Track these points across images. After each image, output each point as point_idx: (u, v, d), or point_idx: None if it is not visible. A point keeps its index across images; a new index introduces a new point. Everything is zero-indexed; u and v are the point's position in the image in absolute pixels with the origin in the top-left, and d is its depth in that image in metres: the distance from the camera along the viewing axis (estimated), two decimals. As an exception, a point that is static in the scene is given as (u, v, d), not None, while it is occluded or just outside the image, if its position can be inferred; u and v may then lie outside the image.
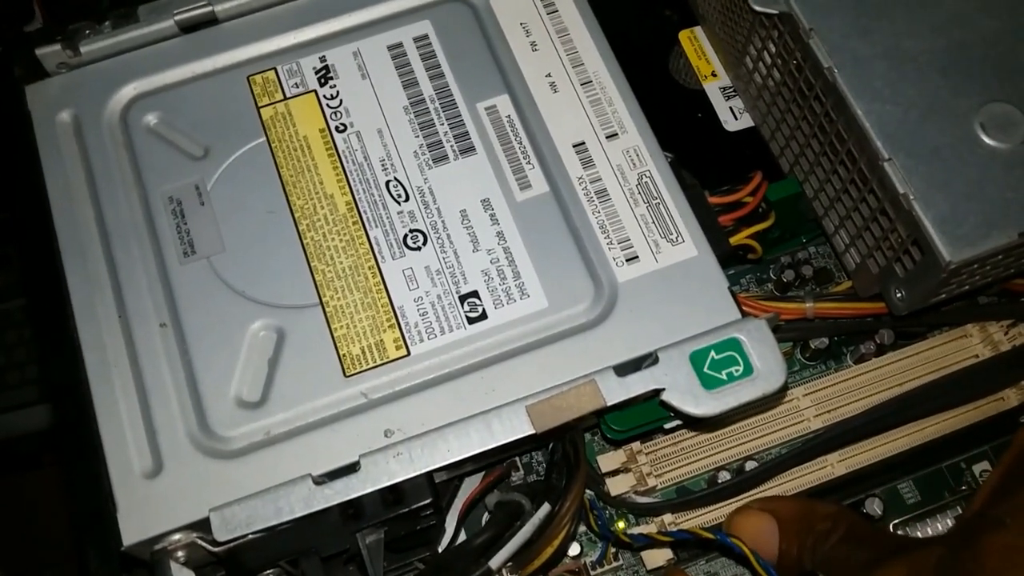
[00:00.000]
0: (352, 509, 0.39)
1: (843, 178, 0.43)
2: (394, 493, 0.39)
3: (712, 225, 0.45)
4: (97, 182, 0.46)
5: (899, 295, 0.42)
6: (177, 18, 0.49)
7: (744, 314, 0.42)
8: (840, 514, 0.40)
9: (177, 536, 0.39)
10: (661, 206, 0.45)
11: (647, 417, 0.41)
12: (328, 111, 0.47)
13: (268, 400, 0.41)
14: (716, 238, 0.44)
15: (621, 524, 0.45)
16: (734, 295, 0.43)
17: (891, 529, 0.45)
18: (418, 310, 0.43)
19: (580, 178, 0.45)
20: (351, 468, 0.39)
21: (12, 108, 0.48)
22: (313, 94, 0.48)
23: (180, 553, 0.39)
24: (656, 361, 0.41)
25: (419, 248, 0.44)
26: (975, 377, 0.46)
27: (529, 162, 0.46)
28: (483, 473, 0.44)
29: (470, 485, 0.44)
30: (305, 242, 0.44)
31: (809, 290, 0.49)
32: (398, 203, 0.45)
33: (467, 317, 0.43)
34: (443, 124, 0.47)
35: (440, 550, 0.43)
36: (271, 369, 0.42)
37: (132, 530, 0.38)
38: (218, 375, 0.42)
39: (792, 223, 0.48)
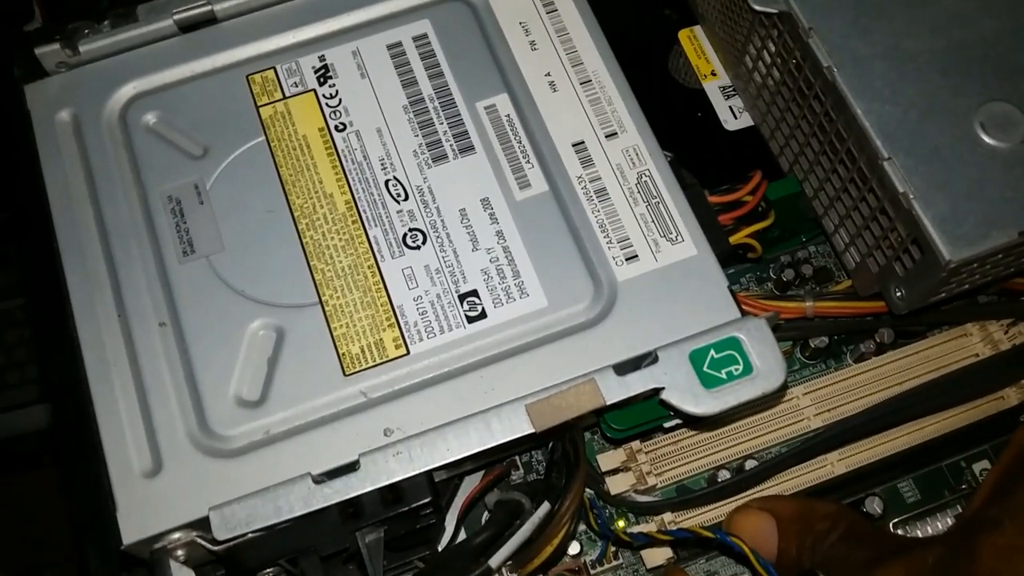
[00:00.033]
0: (352, 508, 0.39)
1: (843, 177, 0.43)
2: (393, 492, 0.39)
3: (712, 224, 0.45)
4: (96, 181, 0.46)
5: (899, 294, 0.42)
6: (176, 17, 0.49)
7: (744, 313, 0.42)
8: (840, 513, 0.40)
9: (177, 535, 0.39)
10: (661, 205, 0.45)
11: (647, 416, 0.41)
12: (327, 110, 0.47)
13: (267, 399, 0.41)
14: (716, 237, 0.44)
15: (621, 523, 0.45)
16: (734, 294, 0.43)
17: (891, 528, 0.45)
18: (417, 309, 0.43)
19: (579, 177, 0.45)
20: (351, 467, 0.39)
21: (11, 107, 0.48)
22: (312, 93, 0.48)
23: (180, 552, 0.39)
24: (656, 360, 0.41)
25: (418, 247, 0.44)
26: (975, 376, 0.46)
27: (528, 161, 0.46)
28: (483, 472, 0.44)
29: (470, 484, 0.44)
30: (304, 241, 0.44)
31: (809, 289, 0.49)
32: (397, 202, 0.45)
33: (466, 316, 0.43)
34: (442, 123, 0.47)
35: (440, 549, 0.43)
36: (270, 368, 0.42)
37: (132, 529, 0.38)
38: (217, 374, 0.42)
39: (792, 222, 0.48)
